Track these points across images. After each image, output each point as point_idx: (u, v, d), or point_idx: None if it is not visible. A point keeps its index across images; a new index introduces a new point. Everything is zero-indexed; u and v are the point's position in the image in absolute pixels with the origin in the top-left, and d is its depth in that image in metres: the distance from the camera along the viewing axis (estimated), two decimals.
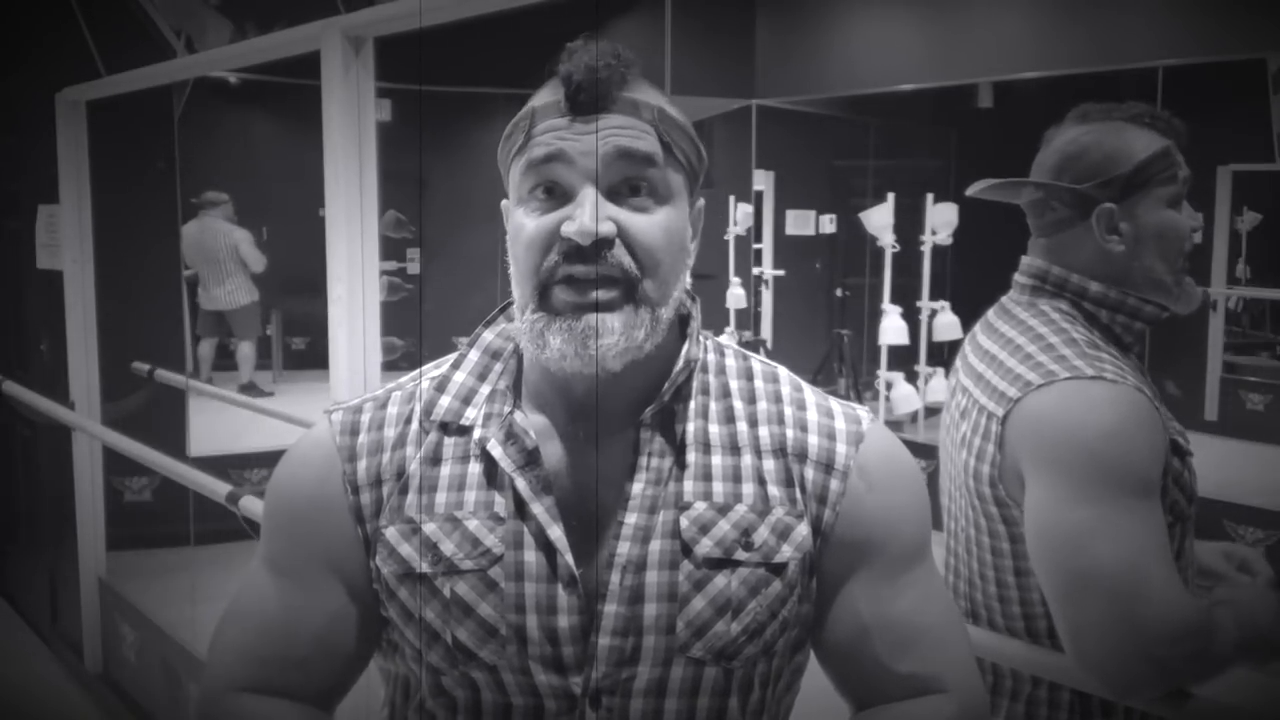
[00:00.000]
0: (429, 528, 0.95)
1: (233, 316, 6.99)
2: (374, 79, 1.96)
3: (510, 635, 0.92)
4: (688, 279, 1.00)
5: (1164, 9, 4.94)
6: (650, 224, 0.92)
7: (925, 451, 5.13)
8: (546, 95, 0.94)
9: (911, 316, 5.59)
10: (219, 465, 4.20)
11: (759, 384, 1.01)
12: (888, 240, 5.49)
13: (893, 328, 5.52)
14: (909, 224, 5.62)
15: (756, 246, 7.09)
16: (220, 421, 4.90)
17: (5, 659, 4.03)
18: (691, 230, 0.98)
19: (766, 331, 7.10)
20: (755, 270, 7.04)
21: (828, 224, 7.17)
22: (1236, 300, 6.56)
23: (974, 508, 1.38)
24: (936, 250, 5.50)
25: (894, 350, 5.61)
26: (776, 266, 7.09)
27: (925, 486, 1.03)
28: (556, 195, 0.92)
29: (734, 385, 1.01)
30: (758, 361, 1.04)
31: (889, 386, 5.55)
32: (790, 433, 0.98)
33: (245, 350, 7.09)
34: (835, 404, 1.02)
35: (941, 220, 5.43)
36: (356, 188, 1.97)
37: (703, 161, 0.99)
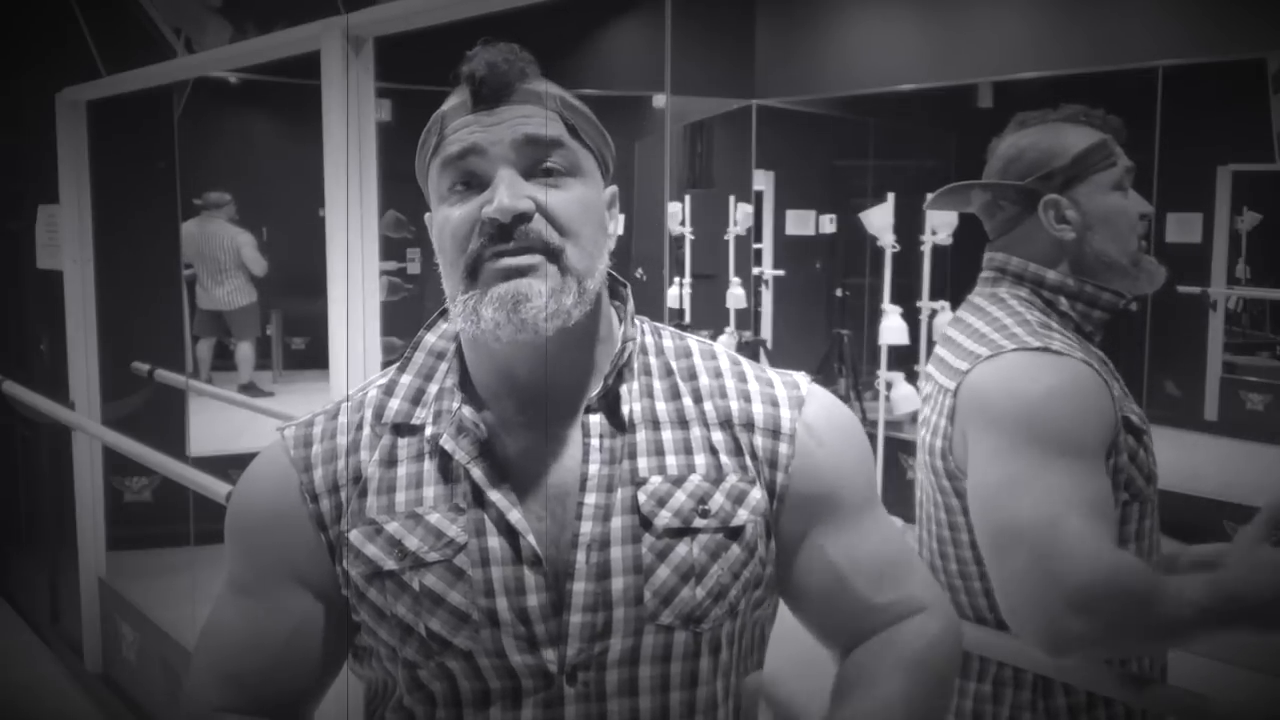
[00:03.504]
0: (392, 526, 0.98)
1: (231, 317, 6.99)
2: (374, 79, 1.97)
3: (483, 619, 0.94)
4: (634, 275, 1.03)
5: (1164, 9, 4.94)
6: (567, 198, 0.96)
7: None
8: (454, 99, 0.99)
9: (911, 316, 5.59)
10: (219, 465, 4.19)
11: (697, 361, 1.06)
12: (888, 240, 5.49)
13: (893, 328, 5.52)
14: (909, 224, 5.62)
15: (756, 246, 7.09)
16: (220, 421, 4.90)
17: (5, 659, 4.03)
18: (608, 213, 1.03)
19: (766, 331, 7.10)
20: (755, 270, 7.04)
21: (828, 224, 7.17)
22: (1236, 300, 6.55)
23: (932, 484, 1.43)
24: (936, 250, 5.49)
25: (894, 350, 5.61)
26: (776, 266, 7.08)
27: (866, 436, 1.10)
28: (475, 186, 0.96)
29: (674, 364, 1.05)
30: (694, 340, 1.08)
31: (889, 386, 5.55)
32: (735, 404, 1.03)
33: (244, 350, 7.09)
34: (773, 373, 1.07)
35: (941, 220, 5.42)
36: (356, 188, 1.97)
37: (609, 147, 1.04)
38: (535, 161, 0.96)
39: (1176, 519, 1.49)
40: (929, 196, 1.56)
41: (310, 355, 7.81)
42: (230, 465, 4.96)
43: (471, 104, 0.96)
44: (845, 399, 6.40)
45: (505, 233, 0.93)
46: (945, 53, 5.75)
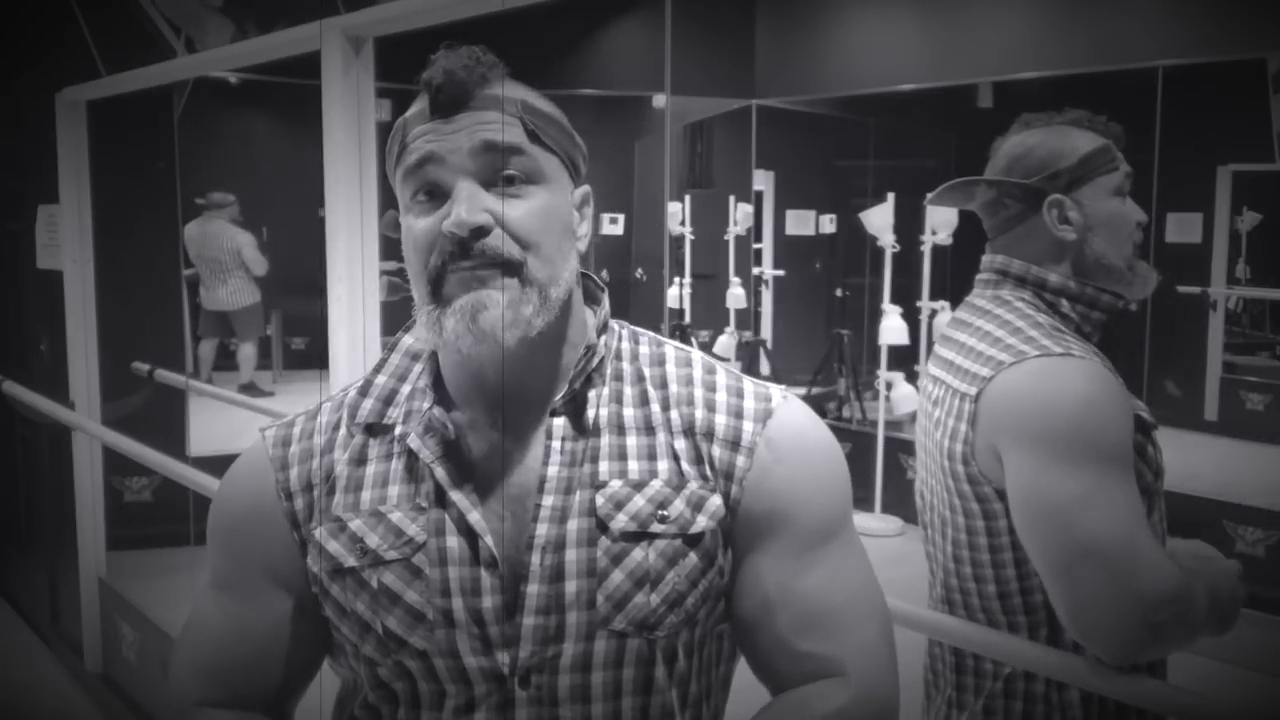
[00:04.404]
0: (355, 524, 0.98)
1: (235, 317, 7.00)
2: (374, 79, 1.97)
3: (438, 619, 0.94)
4: (599, 269, 1.03)
5: (1164, 9, 4.94)
6: (527, 209, 0.96)
7: None
8: (415, 106, 0.98)
9: (911, 316, 5.59)
10: (219, 465, 4.18)
11: (671, 368, 1.04)
12: (888, 240, 5.49)
13: (893, 328, 5.52)
14: (909, 224, 5.62)
15: (756, 246, 7.09)
16: (220, 421, 4.90)
17: (5, 659, 4.03)
18: (578, 215, 1.02)
19: (766, 331, 7.10)
20: (755, 270, 7.04)
21: (828, 224, 7.17)
22: (1236, 300, 6.55)
23: (949, 489, 1.42)
24: (936, 250, 5.49)
25: (894, 350, 5.61)
26: (776, 266, 7.08)
27: (844, 465, 1.04)
28: (437, 196, 0.96)
29: (647, 371, 1.04)
30: (672, 347, 1.07)
31: (889, 386, 5.55)
32: (699, 413, 1.01)
33: (247, 350, 7.09)
34: (748, 384, 1.05)
35: (941, 220, 5.42)
36: (356, 188, 1.97)
37: (579, 148, 1.02)
38: (495, 169, 0.95)
39: (1176, 518, 1.50)
40: (931, 194, 1.56)
41: (310, 355, 7.81)
42: (230, 465, 4.95)
43: (429, 112, 0.96)
44: (845, 399, 6.39)
45: (464, 247, 0.93)
46: (945, 53, 5.75)
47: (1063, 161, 1.44)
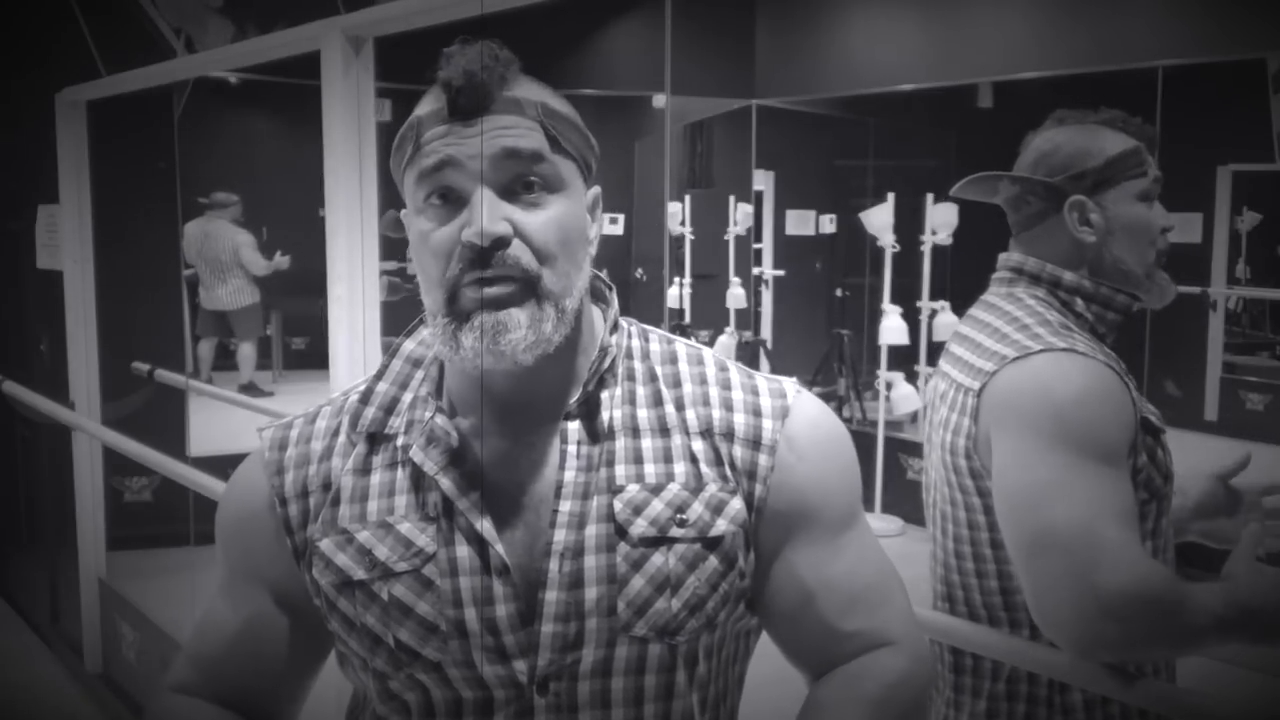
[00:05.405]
0: (363, 535, 0.96)
1: (235, 317, 7.00)
2: (374, 79, 1.97)
3: (451, 630, 0.93)
4: (594, 269, 1.03)
5: (1164, 9, 4.94)
6: (546, 219, 0.93)
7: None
8: (430, 103, 0.95)
9: (911, 316, 5.59)
10: (219, 465, 4.18)
11: (683, 367, 1.03)
12: (888, 240, 5.49)
13: (893, 328, 5.51)
14: (909, 224, 5.62)
15: (756, 246, 7.09)
16: (220, 421, 4.90)
17: (5, 659, 4.03)
18: (590, 218, 1.00)
19: (766, 331, 7.09)
20: (755, 270, 7.04)
21: (828, 224, 7.17)
22: (1236, 300, 6.55)
23: (950, 484, 1.42)
24: (936, 250, 5.49)
25: (894, 350, 5.61)
26: (776, 266, 7.08)
27: (854, 450, 1.06)
28: (452, 200, 0.93)
29: (659, 370, 1.02)
30: (682, 345, 1.06)
31: (889, 386, 5.55)
32: (716, 413, 1.00)
33: (246, 350, 7.09)
34: (761, 380, 1.04)
35: (941, 220, 5.42)
36: (356, 188, 1.97)
37: (593, 149, 1.01)
38: (514, 176, 0.93)
39: None
40: (955, 186, 1.55)
41: (310, 355, 7.81)
42: (230, 465, 4.91)
43: (448, 113, 0.93)
44: (845, 399, 6.39)
45: (483, 257, 0.91)
46: (945, 53, 5.75)
47: (1089, 162, 1.42)
